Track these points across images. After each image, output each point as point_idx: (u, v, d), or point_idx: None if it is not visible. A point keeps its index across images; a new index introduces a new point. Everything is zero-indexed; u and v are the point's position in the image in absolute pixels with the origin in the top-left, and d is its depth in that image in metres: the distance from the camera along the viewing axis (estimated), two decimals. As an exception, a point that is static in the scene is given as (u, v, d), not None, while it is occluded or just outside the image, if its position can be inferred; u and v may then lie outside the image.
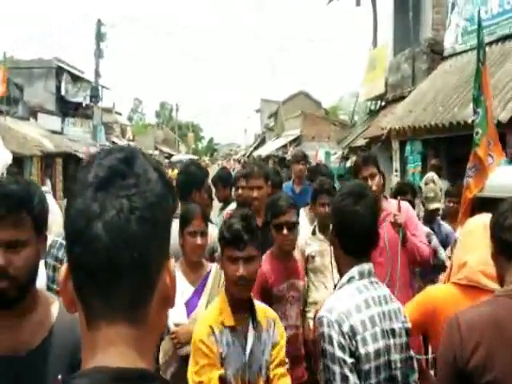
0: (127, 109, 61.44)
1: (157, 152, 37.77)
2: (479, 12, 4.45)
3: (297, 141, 24.75)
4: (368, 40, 14.71)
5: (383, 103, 12.88)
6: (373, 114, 13.73)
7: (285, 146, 24.04)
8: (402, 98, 10.96)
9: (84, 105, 21.01)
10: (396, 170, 10.06)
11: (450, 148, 8.14)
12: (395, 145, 10.21)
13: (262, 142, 35.77)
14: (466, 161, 3.81)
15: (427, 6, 11.23)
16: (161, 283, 0.68)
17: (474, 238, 1.97)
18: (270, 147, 27.88)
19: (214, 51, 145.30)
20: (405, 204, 3.29)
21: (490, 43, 8.79)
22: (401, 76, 11.44)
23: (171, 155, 38.86)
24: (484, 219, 1.97)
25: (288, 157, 21.82)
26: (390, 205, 3.21)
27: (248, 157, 32.22)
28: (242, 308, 2.06)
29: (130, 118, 57.20)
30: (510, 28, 8.19)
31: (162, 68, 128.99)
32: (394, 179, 9.41)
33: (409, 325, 1.83)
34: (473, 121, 3.98)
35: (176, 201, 0.71)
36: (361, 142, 12.61)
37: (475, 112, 3.92)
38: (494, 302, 1.56)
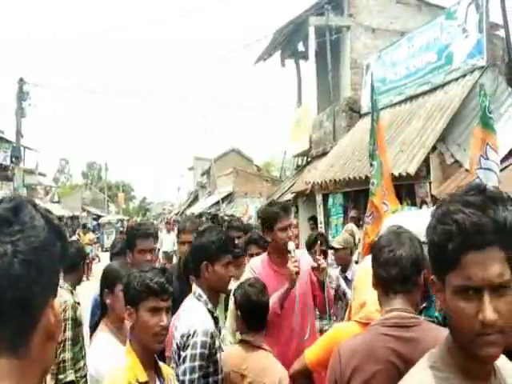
0: (53, 170, 59.21)
1: (84, 213, 36.23)
2: (372, 77, 4.83)
3: (229, 197, 24.89)
4: (294, 99, 15.45)
5: (309, 159, 13.36)
6: (300, 169, 14.18)
7: (217, 203, 24.05)
8: (325, 153, 11.45)
9: (4, 166, 20.02)
10: (320, 223, 10.29)
11: (367, 200, 8.48)
12: (319, 198, 10.52)
13: (195, 199, 35.69)
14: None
15: (345, 67, 12.04)
16: (44, 320, 0.73)
17: (369, 279, 2.06)
18: (203, 204, 27.81)
19: (145, 109, 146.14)
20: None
21: (400, 102, 9.49)
22: (323, 133, 11.99)
23: (100, 216, 37.35)
24: None
25: (221, 213, 21.78)
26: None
27: (181, 215, 31.81)
28: (149, 364, 2.01)
29: (56, 180, 55.21)
30: (416, 89, 8.91)
31: (91, 127, 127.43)
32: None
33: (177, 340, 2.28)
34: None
35: (66, 246, 0.71)
36: (288, 196, 12.90)
37: (371, 165, 4.16)
38: (370, 330, 1.70)
